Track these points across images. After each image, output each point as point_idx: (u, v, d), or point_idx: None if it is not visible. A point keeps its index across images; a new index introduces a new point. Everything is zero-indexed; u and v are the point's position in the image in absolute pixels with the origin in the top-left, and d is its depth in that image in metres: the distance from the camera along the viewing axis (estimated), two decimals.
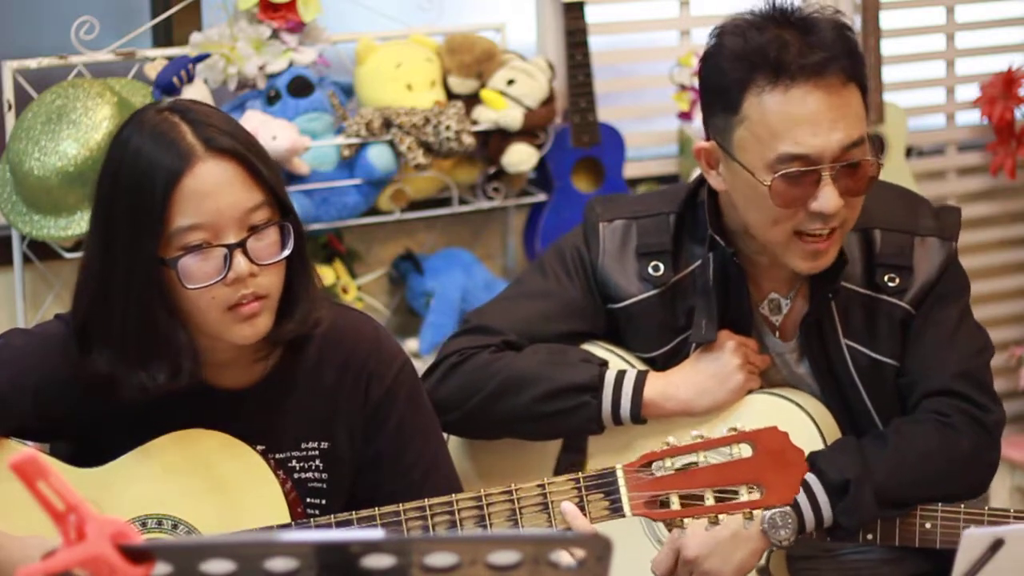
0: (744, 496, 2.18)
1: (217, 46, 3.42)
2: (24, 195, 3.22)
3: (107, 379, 2.23)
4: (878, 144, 4.09)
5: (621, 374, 2.58)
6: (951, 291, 2.60)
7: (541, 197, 3.85)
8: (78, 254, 3.32)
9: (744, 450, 2.18)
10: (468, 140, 3.55)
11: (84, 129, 3.16)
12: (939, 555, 2.64)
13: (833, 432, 2.59)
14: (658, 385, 2.59)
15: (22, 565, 2.13)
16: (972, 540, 1.77)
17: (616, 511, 2.24)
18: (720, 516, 2.19)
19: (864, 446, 2.52)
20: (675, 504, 2.19)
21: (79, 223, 3.18)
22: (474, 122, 3.63)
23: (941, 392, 2.55)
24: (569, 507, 2.24)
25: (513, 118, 3.65)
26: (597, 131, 3.84)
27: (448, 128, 3.52)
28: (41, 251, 3.42)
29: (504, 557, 1.47)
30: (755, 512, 2.19)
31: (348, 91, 3.67)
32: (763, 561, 2.56)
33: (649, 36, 4.15)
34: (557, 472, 2.66)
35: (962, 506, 2.52)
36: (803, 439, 2.49)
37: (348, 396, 2.37)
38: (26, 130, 3.20)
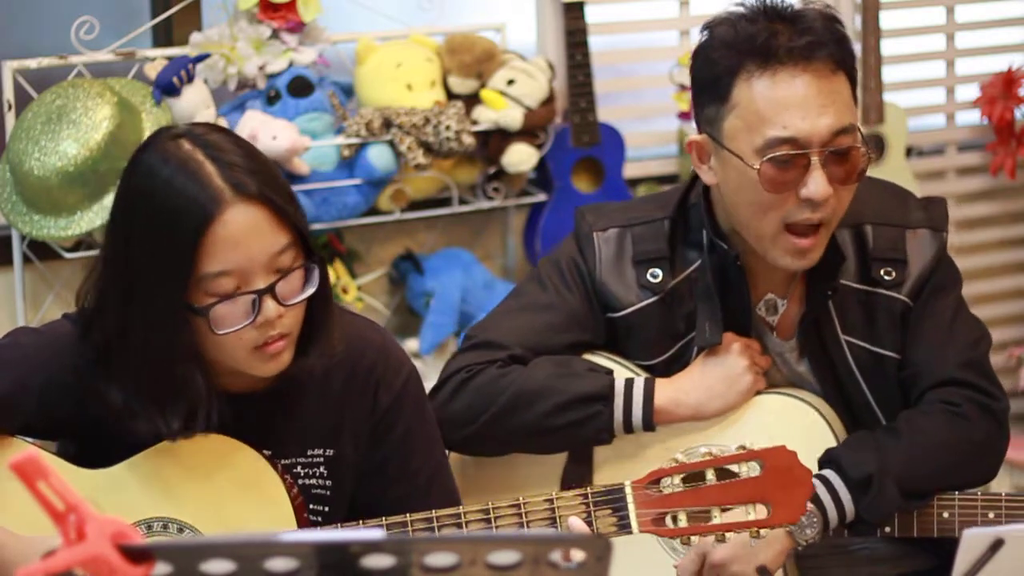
0: (751, 514, 2.18)
1: (217, 46, 3.42)
2: (24, 195, 3.22)
3: (121, 413, 2.22)
4: (875, 144, 4.11)
5: (630, 382, 2.57)
6: (946, 282, 2.61)
7: (541, 197, 3.85)
8: (78, 254, 3.33)
9: (752, 468, 2.18)
10: (468, 140, 3.55)
11: (84, 129, 3.16)
12: (945, 550, 2.64)
13: (841, 429, 2.59)
14: (668, 391, 2.58)
15: (24, 564, 2.13)
16: (972, 540, 1.77)
17: (624, 527, 2.24)
18: (727, 534, 2.19)
19: (880, 440, 2.52)
20: (683, 521, 2.20)
21: (79, 223, 3.18)
22: (474, 122, 3.63)
23: (947, 382, 2.56)
24: (576, 522, 2.24)
25: (513, 118, 3.65)
26: (597, 131, 3.84)
27: (448, 128, 3.52)
28: (41, 251, 3.42)
29: (504, 557, 1.47)
30: (762, 530, 2.20)
31: (348, 91, 3.67)
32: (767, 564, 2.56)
33: (649, 36, 4.15)
34: (563, 483, 2.65)
35: (979, 492, 2.52)
36: (816, 436, 2.50)
37: (355, 403, 2.37)
38: (26, 130, 3.20)
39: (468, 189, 3.78)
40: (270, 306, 2.17)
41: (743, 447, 2.18)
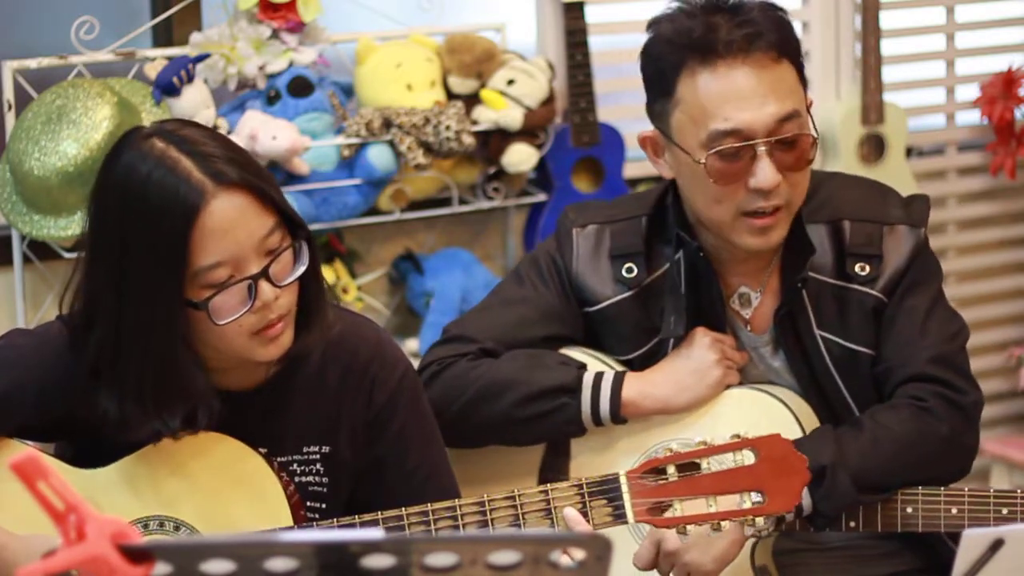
0: (746, 503, 2.18)
1: (217, 46, 3.42)
2: (24, 195, 3.22)
3: (118, 420, 2.22)
4: (875, 144, 4.11)
5: (599, 375, 2.60)
6: (922, 278, 2.61)
7: (541, 197, 3.85)
8: (78, 254, 3.32)
9: (747, 457, 2.18)
10: (468, 140, 3.55)
11: (84, 129, 3.16)
12: (930, 549, 2.65)
13: (813, 424, 2.60)
14: (636, 384, 2.60)
15: (24, 564, 2.13)
16: (972, 540, 1.77)
17: (619, 517, 2.24)
18: (723, 523, 2.19)
19: (840, 433, 2.53)
20: (678, 511, 2.20)
21: (79, 223, 3.18)
22: (474, 122, 3.63)
23: (916, 378, 2.56)
24: (572, 513, 2.25)
25: (513, 118, 3.65)
26: (597, 131, 3.84)
27: (448, 128, 3.52)
28: (41, 251, 3.42)
29: (504, 557, 1.47)
30: (758, 519, 2.20)
31: (348, 91, 3.67)
32: (761, 561, 2.56)
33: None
34: (541, 474, 2.67)
35: (942, 489, 2.52)
36: (783, 431, 2.49)
37: (351, 400, 2.37)
38: (26, 130, 3.20)
39: (468, 189, 3.78)
40: (266, 289, 2.17)
41: (737, 436, 2.18)
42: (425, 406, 2.45)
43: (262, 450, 2.30)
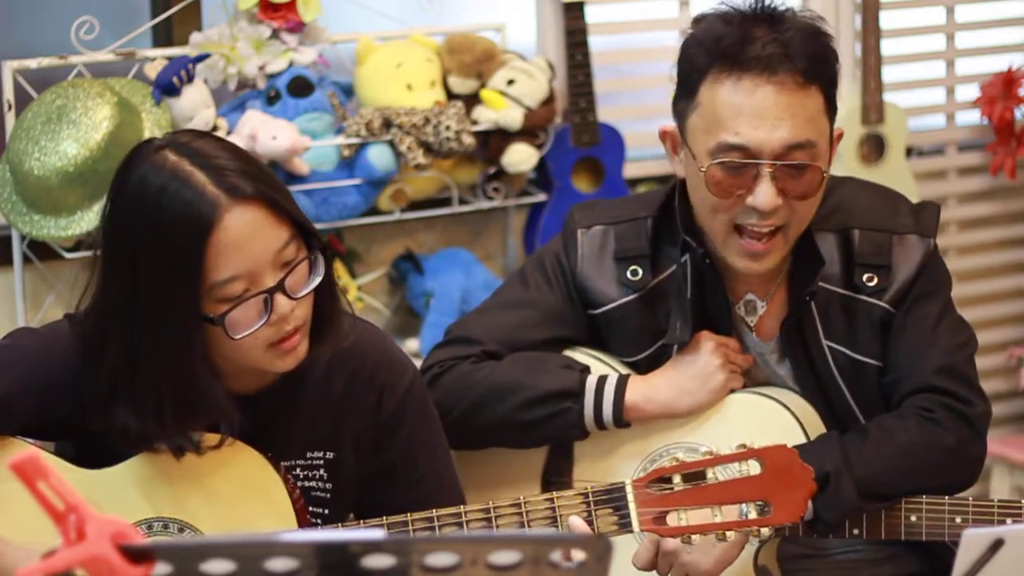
0: (752, 513, 2.18)
1: (217, 46, 3.42)
2: (24, 195, 3.22)
3: (138, 437, 2.21)
4: (875, 144, 4.10)
5: (603, 379, 2.59)
6: (931, 288, 2.60)
7: (541, 197, 3.85)
8: (78, 254, 3.32)
9: (753, 467, 2.18)
10: (468, 140, 3.55)
11: (84, 129, 3.16)
12: (933, 554, 2.64)
13: (817, 429, 2.59)
14: (639, 388, 2.59)
15: (23, 566, 2.13)
16: (972, 540, 1.77)
17: (624, 526, 2.24)
18: (728, 533, 2.19)
19: (845, 440, 2.52)
20: (683, 520, 2.20)
21: (79, 223, 3.18)
22: (474, 122, 3.63)
23: (923, 389, 2.56)
24: (577, 521, 2.24)
25: (513, 118, 3.65)
26: (597, 131, 3.84)
27: (448, 128, 3.52)
28: (41, 251, 3.42)
29: (504, 557, 1.47)
30: (763, 529, 2.20)
31: (348, 91, 3.67)
32: (762, 561, 2.56)
33: (649, 36, 4.15)
34: (544, 478, 2.66)
35: (946, 498, 2.52)
36: (786, 436, 2.50)
37: (357, 407, 2.36)
38: (26, 130, 3.20)
39: (468, 189, 3.78)
40: (282, 302, 2.16)
41: (743, 445, 2.18)
42: (433, 412, 2.45)
43: (267, 454, 2.30)
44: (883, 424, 2.54)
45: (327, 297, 2.26)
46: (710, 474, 2.18)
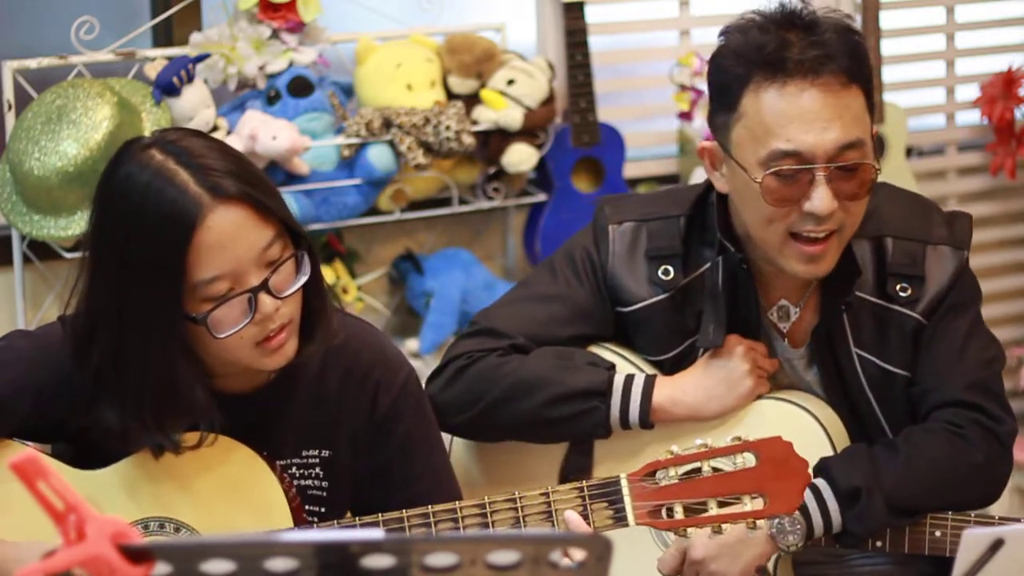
0: (748, 505, 2.18)
1: (217, 46, 3.42)
2: (24, 195, 3.22)
3: (119, 434, 2.22)
4: (875, 144, 4.11)
5: (629, 379, 2.57)
6: (963, 301, 2.57)
7: (541, 197, 3.85)
8: (78, 254, 3.31)
9: (748, 459, 2.18)
10: (468, 140, 3.55)
11: (84, 129, 3.16)
12: (946, 561, 2.63)
13: (842, 437, 2.58)
14: (667, 390, 2.57)
15: (23, 566, 2.13)
16: (972, 540, 1.77)
17: (620, 520, 2.23)
18: (723, 525, 2.19)
19: (876, 454, 2.50)
20: (679, 513, 2.19)
21: (79, 223, 3.18)
22: (474, 122, 3.63)
23: (953, 403, 2.54)
24: (572, 516, 2.24)
25: (513, 118, 3.65)
26: (597, 131, 3.84)
27: (448, 128, 3.52)
28: (41, 251, 3.42)
29: (504, 557, 1.47)
30: (759, 521, 2.19)
31: (348, 91, 3.67)
32: (769, 565, 2.55)
33: (649, 36, 4.15)
34: (562, 477, 2.65)
35: (972, 514, 2.51)
36: (813, 444, 2.49)
37: (352, 405, 2.36)
38: (26, 130, 3.20)
39: (468, 189, 3.78)
40: (266, 301, 2.16)
41: (738, 438, 2.18)
42: (428, 410, 2.44)
43: (262, 453, 2.30)
44: (912, 439, 2.52)
45: (315, 296, 2.26)
46: (705, 467, 2.18)
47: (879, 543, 2.52)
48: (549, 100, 3.74)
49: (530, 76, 3.71)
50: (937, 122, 4.48)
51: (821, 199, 2.40)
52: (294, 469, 2.35)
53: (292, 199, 3.40)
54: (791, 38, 2.41)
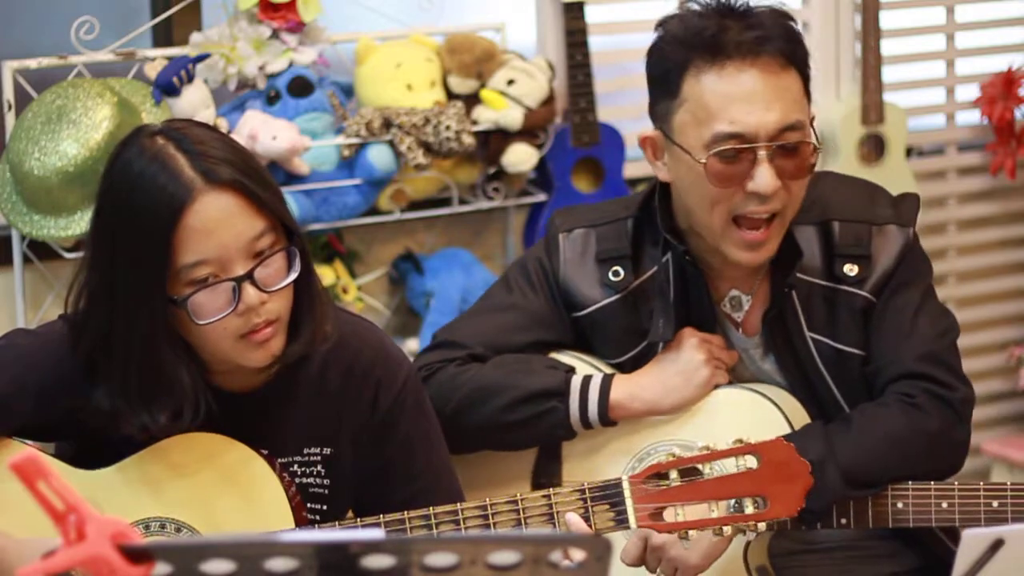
0: (749, 508, 2.18)
1: (217, 46, 3.42)
2: (24, 195, 3.22)
3: (109, 415, 2.23)
4: (875, 144, 4.11)
5: (587, 378, 2.60)
6: (911, 277, 2.61)
7: (541, 197, 3.85)
8: (78, 254, 3.32)
9: (750, 462, 2.18)
10: (468, 140, 3.55)
11: (84, 129, 3.16)
12: (927, 549, 2.64)
13: (802, 421, 2.60)
14: (624, 386, 2.60)
15: (24, 565, 2.13)
16: (972, 540, 1.77)
17: (621, 523, 2.24)
18: (725, 528, 2.19)
19: (829, 429, 2.53)
20: (680, 516, 2.20)
21: (79, 223, 3.18)
22: (474, 122, 3.63)
23: (905, 375, 2.57)
24: (574, 518, 2.25)
25: (513, 118, 3.65)
26: (597, 131, 3.84)
27: (448, 128, 3.52)
28: (41, 251, 3.42)
29: (504, 557, 1.47)
30: (759, 525, 2.20)
31: (348, 91, 3.67)
32: (759, 561, 2.56)
33: (649, 36, 4.13)
34: (534, 479, 2.67)
35: (932, 484, 2.52)
36: (771, 429, 2.51)
37: (353, 403, 2.37)
38: (26, 130, 3.20)
39: (468, 189, 3.78)
40: (251, 293, 2.16)
41: (740, 441, 2.18)
42: (429, 408, 2.45)
43: (263, 452, 2.30)
44: (866, 412, 2.56)
45: (306, 295, 2.26)
46: (707, 469, 2.19)
47: (843, 520, 2.53)
48: (549, 100, 3.74)
49: (530, 76, 3.71)
50: (937, 122, 4.48)
51: (763, 177, 2.44)
52: (296, 467, 2.35)
53: (292, 199, 3.40)
54: (728, 23, 2.47)
